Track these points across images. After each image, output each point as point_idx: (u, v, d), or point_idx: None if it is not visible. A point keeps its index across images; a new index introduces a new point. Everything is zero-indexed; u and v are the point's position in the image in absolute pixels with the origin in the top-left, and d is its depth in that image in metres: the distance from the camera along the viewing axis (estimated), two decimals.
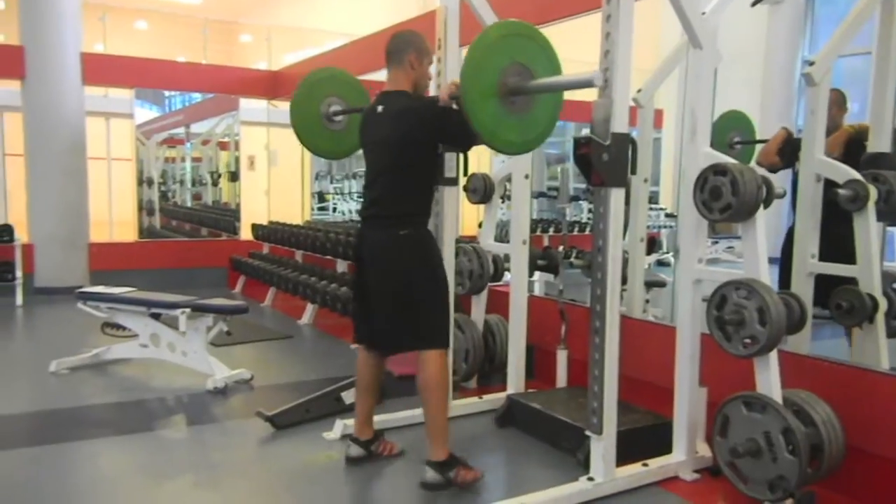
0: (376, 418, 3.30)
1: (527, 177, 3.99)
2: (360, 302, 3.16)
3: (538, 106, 2.94)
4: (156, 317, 4.63)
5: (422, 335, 2.97)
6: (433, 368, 2.94)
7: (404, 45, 3.04)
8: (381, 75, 8.59)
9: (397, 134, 2.95)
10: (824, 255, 3.47)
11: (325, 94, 3.84)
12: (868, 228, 3.24)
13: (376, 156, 3.08)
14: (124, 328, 4.84)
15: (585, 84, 2.76)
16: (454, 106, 2.91)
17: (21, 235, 7.54)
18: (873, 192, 3.24)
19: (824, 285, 3.47)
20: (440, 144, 3.17)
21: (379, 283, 3.02)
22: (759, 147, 4.40)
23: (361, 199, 3.19)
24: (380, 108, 3.04)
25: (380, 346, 3.14)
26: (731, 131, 4.38)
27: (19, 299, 7.23)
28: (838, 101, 3.80)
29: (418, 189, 3.03)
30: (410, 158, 2.96)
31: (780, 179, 4.25)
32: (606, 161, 2.72)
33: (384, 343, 3.11)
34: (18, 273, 7.29)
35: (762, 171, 4.07)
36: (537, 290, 5.24)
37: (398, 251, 2.95)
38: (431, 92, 3.35)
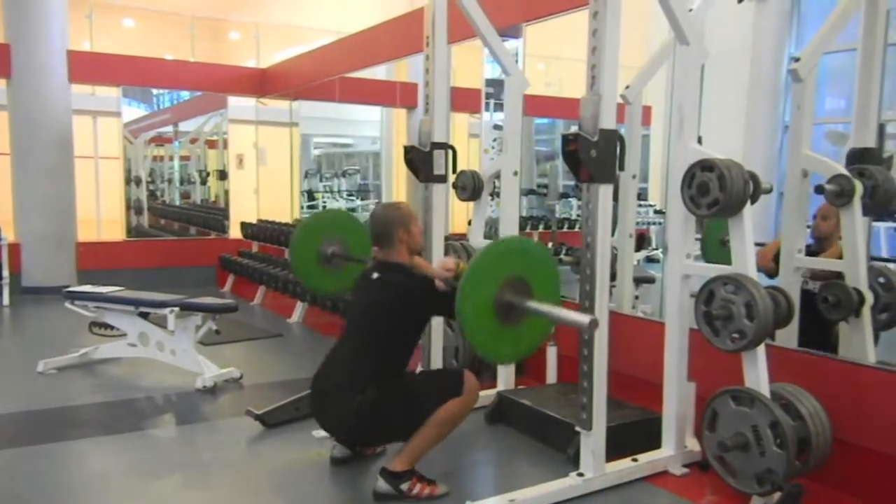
0: None
1: (516, 174, 4.00)
2: None
3: (532, 318, 2.80)
4: (144, 316, 4.62)
5: (425, 414, 2.89)
6: (448, 407, 2.88)
7: (389, 226, 3.03)
8: (368, 73, 8.55)
9: (389, 306, 2.94)
10: None
11: (325, 236, 3.88)
12: (854, 223, 3.26)
13: (362, 321, 3.04)
14: (112, 327, 4.82)
15: (577, 324, 2.66)
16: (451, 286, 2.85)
17: (7, 235, 7.49)
18: (859, 187, 3.26)
19: None
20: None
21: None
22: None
23: (330, 357, 3.12)
24: (375, 275, 3.04)
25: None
26: (725, 229, 4.37)
27: (6, 299, 7.17)
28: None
29: (396, 354, 2.97)
30: (392, 330, 2.93)
31: (768, 175, 4.28)
32: (594, 157, 2.73)
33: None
34: (5, 272, 7.23)
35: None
36: None
37: (360, 417, 2.87)
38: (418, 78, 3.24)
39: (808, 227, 3.70)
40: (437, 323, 3.83)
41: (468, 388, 2.93)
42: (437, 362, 3.85)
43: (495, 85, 6.01)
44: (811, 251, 3.64)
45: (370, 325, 2.99)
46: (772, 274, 3.66)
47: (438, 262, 3.24)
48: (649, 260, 6.63)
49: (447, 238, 4.13)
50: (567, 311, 2.74)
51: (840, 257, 3.39)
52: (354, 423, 2.92)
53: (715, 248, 4.34)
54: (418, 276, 3.05)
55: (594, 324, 2.64)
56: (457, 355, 4.25)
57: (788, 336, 3.31)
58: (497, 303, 2.67)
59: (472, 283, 2.62)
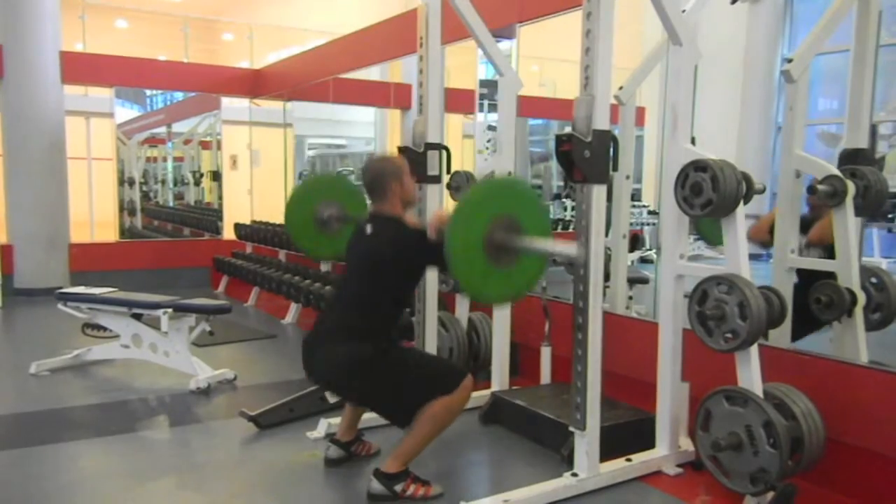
0: None
1: (510, 174, 4.00)
2: None
3: (526, 257, 2.80)
4: (137, 317, 4.60)
5: (410, 407, 2.86)
6: (436, 406, 2.84)
7: (381, 177, 3.01)
8: (362, 73, 8.53)
9: (382, 259, 2.93)
10: None
11: (321, 198, 3.79)
12: (846, 224, 3.28)
13: (355, 275, 3.08)
14: (105, 329, 4.80)
15: (568, 255, 2.75)
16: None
17: None
18: (851, 188, 3.27)
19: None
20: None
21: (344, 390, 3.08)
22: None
23: (328, 307, 3.13)
24: (369, 230, 3.02)
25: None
26: None
27: None
28: None
29: (388, 308, 2.99)
30: (388, 282, 2.94)
31: (761, 175, 4.29)
32: (588, 158, 2.73)
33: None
34: None
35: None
36: None
37: (352, 368, 2.88)
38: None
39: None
40: (431, 322, 3.83)
41: (463, 387, 2.92)
42: None
43: (489, 86, 6.02)
44: (805, 220, 3.64)
45: (364, 279, 2.98)
46: (767, 245, 3.65)
47: (433, 212, 3.21)
48: (643, 260, 6.65)
49: None
50: (555, 242, 2.75)
51: (831, 228, 3.39)
52: (342, 368, 2.90)
53: (709, 221, 4.32)
54: (411, 228, 3.04)
55: (583, 253, 2.66)
56: (451, 355, 4.25)
57: (781, 336, 3.32)
58: (486, 244, 2.64)
59: (459, 226, 2.59)
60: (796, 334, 3.44)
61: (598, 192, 2.80)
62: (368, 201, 3.13)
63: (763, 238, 3.70)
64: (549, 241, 2.77)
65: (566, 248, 2.75)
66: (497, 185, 2.94)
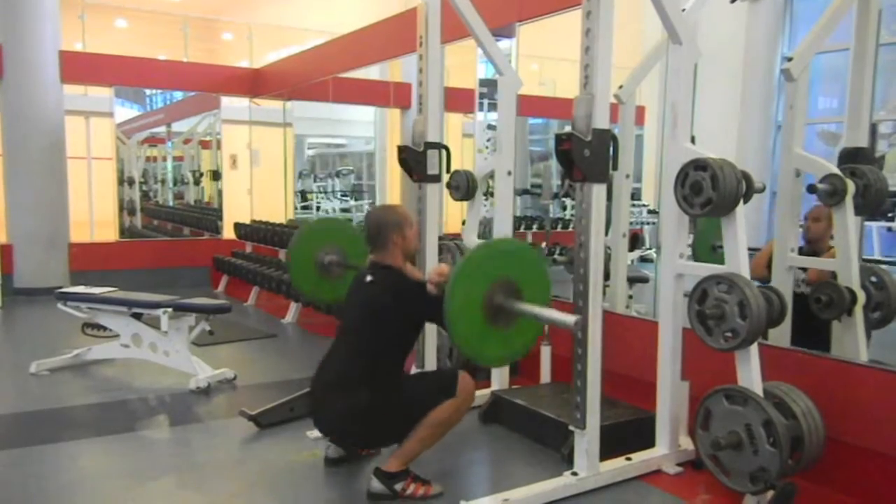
0: None
1: (509, 174, 4.00)
2: None
3: (524, 320, 2.82)
4: (137, 317, 4.60)
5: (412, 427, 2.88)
6: (442, 410, 2.86)
7: (384, 229, 3.00)
8: (362, 73, 8.51)
9: (382, 307, 2.91)
10: None
11: (322, 244, 3.83)
12: (846, 222, 3.28)
13: (354, 323, 3.04)
14: (105, 328, 4.80)
15: (563, 324, 2.73)
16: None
17: None
18: (851, 187, 3.27)
19: None
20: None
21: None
22: None
23: (326, 358, 3.09)
24: (369, 278, 3.01)
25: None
26: (716, 234, 4.39)
27: None
28: None
29: (387, 357, 2.94)
30: (387, 332, 2.91)
31: (761, 174, 4.28)
32: (588, 157, 2.73)
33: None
34: None
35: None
36: None
37: (353, 419, 2.88)
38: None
39: (801, 226, 3.72)
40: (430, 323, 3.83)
41: (462, 388, 2.92)
42: (430, 362, 3.85)
43: (489, 85, 6.02)
44: (802, 254, 3.65)
45: (363, 328, 2.98)
46: (765, 281, 3.67)
47: (432, 267, 3.23)
48: (643, 259, 6.65)
49: (441, 238, 4.13)
50: (554, 311, 2.76)
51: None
52: (348, 424, 2.92)
53: (706, 253, 4.34)
54: (412, 280, 3.05)
55: (580, 324, 2.66)
56: (451, 355, 4.25)
57: (781, 335, 3.32)
58: (485, 305, 2.67)
59: (459, 284, 2.62)
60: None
61: (598, 191, 2.80)
62: (369, 250, 3.11)
63: (761, 274, 3.70)
64: (546, 309, 2.77)
65: (564, 318, 2.73)
66: (501, 247, 2.96)
